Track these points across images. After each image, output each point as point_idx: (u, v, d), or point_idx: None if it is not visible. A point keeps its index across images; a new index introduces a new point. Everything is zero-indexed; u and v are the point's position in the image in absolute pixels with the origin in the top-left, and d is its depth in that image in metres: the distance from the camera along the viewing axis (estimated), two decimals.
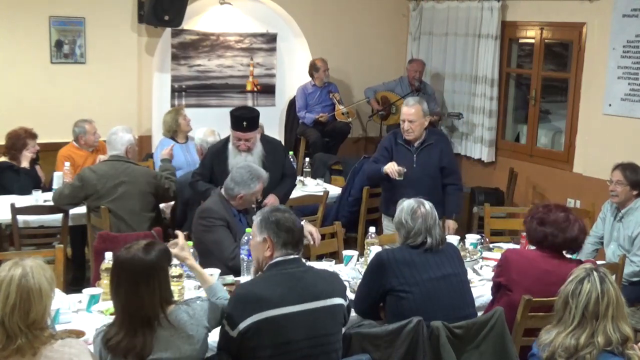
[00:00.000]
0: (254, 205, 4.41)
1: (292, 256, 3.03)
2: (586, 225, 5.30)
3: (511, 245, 4.68)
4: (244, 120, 4.68)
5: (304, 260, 3.20)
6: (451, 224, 5.06)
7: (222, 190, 4.23)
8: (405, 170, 5.02)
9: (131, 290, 2.67)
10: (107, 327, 2.73)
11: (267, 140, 5.00)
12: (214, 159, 4.79)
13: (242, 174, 4.19)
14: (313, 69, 7.97)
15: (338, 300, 3.03)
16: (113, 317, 3.26)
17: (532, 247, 3.72)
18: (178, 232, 3.33)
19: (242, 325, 2.82)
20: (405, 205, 3.54)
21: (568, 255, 3.71)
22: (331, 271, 3.35)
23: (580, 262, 3.74)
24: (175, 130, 6.29)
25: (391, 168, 5.01)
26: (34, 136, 5.85)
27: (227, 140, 4.86)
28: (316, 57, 8.05)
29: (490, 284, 3.84)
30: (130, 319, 2.67)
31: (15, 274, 2.40)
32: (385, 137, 5.59)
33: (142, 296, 2.66)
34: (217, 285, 3.16)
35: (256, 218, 3.12)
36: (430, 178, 5.11)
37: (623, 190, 4.77)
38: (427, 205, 3.52)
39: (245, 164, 4.41)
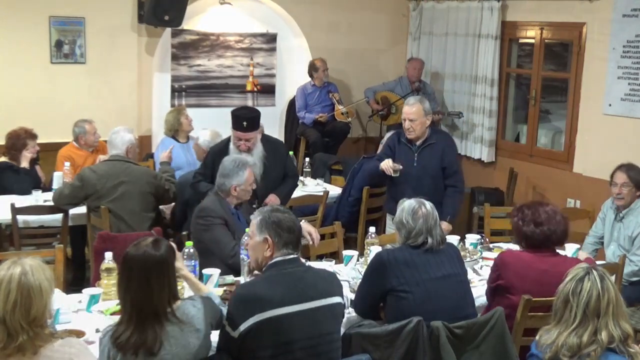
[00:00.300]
0: (254, 205, 4.41)
1: (291, 256, 3.03)
2: (586, 225, 5.34)
3: (511, 246, 4.68)
4: (244, 120, 4.69)
5: (303, 260, 3.20)
6: (444, 226, 4.99)
7: (217, 189, 4.23)
8: (401, 167, 5.06)
9: (142, 285, 2.68)
10: (114, 326, 2.73)
11: (268, 140, 5.01)
12: (216, 159, 4.80)
13: (227, 166, 4.20)
14: (312, 69, 7.97)
15: (337, 299, 3.04)
16: (113, 316, 3.28)
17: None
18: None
19: (244, 325, 2.82)
20: (406, 205, 3.54)
21: (562, 253, 3.72)
22: (329, 270, 3.36)
23: (575, 259, 3.75)
24: (177, 130, 6.31)
25: (386, 165, 5.07)
26: (34, 136, 5.85)
27: (228, 140, 4.87)
28: (315, 58, 8.06)
29: None
30: (139, 315, 2.67)
31: (15, 272, 2.41)
32: (390, 135, 5.62)
33: (152, 291, 2.68)
34: (211, 295, 3.17)
35: (255, 218, 3.12)
36: (431, 178, 5.11)
37: (629, 192, 4.75)
38: (428, 205, 3.52)
39: (228, 156, 4.40)
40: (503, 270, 3.58)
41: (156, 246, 2.75)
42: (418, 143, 5.16)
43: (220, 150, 4.83)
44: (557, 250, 3.68)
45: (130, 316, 2.68)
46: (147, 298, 2.67)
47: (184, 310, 2.75)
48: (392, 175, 5.06)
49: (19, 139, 5.78)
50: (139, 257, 2.71)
